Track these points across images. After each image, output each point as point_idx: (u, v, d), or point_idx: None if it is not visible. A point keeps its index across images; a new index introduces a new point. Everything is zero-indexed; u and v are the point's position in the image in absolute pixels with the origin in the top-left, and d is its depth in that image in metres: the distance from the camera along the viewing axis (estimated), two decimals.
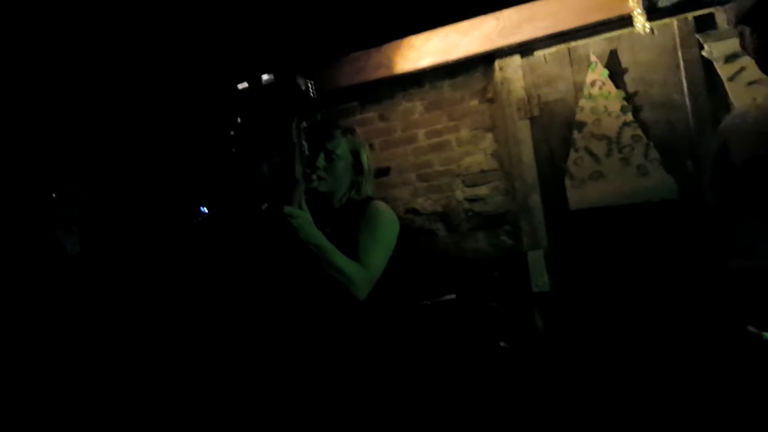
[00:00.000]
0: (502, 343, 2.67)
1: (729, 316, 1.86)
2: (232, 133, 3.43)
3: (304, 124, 1.84)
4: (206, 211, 3.28)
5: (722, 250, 1.80)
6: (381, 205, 1.89)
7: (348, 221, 1.84)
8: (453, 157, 3.24)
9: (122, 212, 3.51)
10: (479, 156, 3.20)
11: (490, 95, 3.20)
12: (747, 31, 1.60)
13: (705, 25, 2.84)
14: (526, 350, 2.79)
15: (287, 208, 1.68)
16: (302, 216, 1.69)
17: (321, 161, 1.87)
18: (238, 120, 3.39)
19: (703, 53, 2.81)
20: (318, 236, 1.70)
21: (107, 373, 2.59)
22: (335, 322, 1.78)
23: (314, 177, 1.85)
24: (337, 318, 1.78)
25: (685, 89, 2.85)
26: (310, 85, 3.21)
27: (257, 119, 3.41)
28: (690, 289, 2.67)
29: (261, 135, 3.57)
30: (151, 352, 2.93)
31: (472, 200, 3.21)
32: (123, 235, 3.41)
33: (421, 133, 3.31)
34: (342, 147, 1.92)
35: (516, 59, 3.14)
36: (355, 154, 1.96)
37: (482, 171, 3.20)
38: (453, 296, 2.79)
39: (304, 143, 1.81)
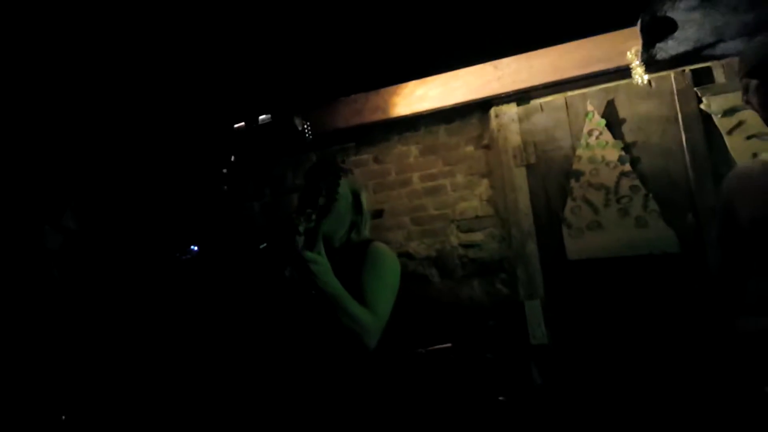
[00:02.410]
0: (500, 398, 2.42)
1: (743, 376, 1.70)
2: (224, 171, 3.25)
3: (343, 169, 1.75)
4: (196, 249, 3.07)
5: (729, 308, 1.65)
6: (383, 248, 1.78)
7: (349, 262, 1.71)
8: (448, 201, 3.06)
9: (111, 245, 3.29)
10: (474, 201, 3.02)
11: (486, 142, 3.05)
12: (752, 84, 1.50)
13: (703, 78, 2.73)
14: (523, 405, 2.54)
15: (308, 254, 1.59)
16: (322, 263, 1.60)
17: (322, 201, 1.72)
18: (232, 158, 3.21)
19: (701, 107, 2.69)
20: (336, 285, 1.59)
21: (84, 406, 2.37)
22: (336, 370, 1.63)
23: (313, 217, 1.70)
24: (338, 366, 1.63)
25: (684, 141, 2.72)
26: (306, 126, 3.05)
27: (251, 158, 3.23)
28: (693, 345, 2.48)
29: (254, 174, 3.39)
30: (130, 387, 2.69)
31: (466, 246, 3.01)
32: (110, 267, 3.19)
33: (415, 176, 3.14)
34: (343, 187, 1.79)
35: (512, 107, 3.00)
36: (355, 195, 1.87)
37: (477, 217, 3.01)
38: (448, 345, 2.55)
39: (336, 194, 1.70)
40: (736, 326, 1.61)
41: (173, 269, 2.96)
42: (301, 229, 1.66)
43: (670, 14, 2.34)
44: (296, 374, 1.69)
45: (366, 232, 1.87)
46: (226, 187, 3.28)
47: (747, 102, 1.59)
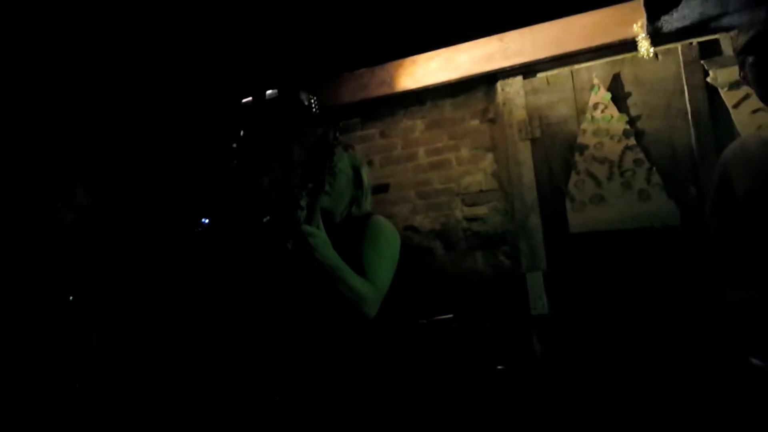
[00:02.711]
0: (499, 366, 2.48)
1: (730, 347, 1.72)
2: (234, 145, 3.29)
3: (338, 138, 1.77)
4: (207, 221, 3.13)
5: (722, 280, 1.67)
6: (383, 221, 1.81)
7: (349, 236, 1.74)
8: (452, 175, 3.08)
9: (125, 221, 3.37)
10: (479, 175, 3.03)
11: (491, 116, 3.04)
12: (748, 61, 1.51)
13: (710, 51, 2.69)
14: (522, 373, 2.60)
15: (306, 227, 1.63)
16: (320, 236, 1.64)
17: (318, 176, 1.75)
18: (241, 133, 3.24)
19: (708, 79, 2.65)
20: (334, 257, 1.63)
21: (103, 380, 2.46)
22: (339, 339, 1.68)
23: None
24: (340, 335, 1.67)
25: (689, 115, 2.69)
26: (312, 100, 3.07)
27: (259, 133, 3.26)
28: (690, 317, 2.50)
29: (262, 149, 3.43)
30: (149, 360, 2.79)
31: (470, 219, 3.04)
32: (125, 243, 3.27)
33: (421, 151, 3.15)
34: (343, 162, 1.85)
35: (518, 80, 2.99)
36: (356, 170, 1.90)
37: (482, 191, 3.03)
38: (450, 316, 2.60)
39: (330, 170, 1.76)
40: (726, 298, 1.64)
41: (186, 242, 3.03)
42: (303, 203, 1.69)
43: None
44: (299, 344, 1.73)
45: (367, 206, 1.89)
46: (235, 161, 3.32)
47: (743, 78, 1.60)
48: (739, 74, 1.59)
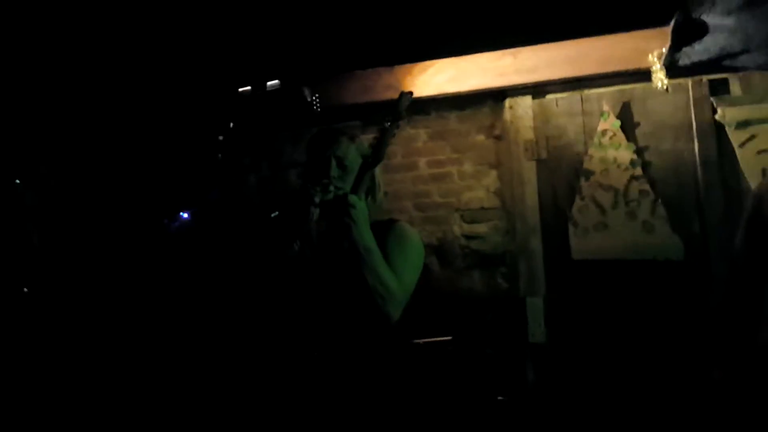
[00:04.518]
0: (500, 398, 2.28)
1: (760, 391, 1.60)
2: (221, 137, 2.98)
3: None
4: (186, 216, 2.81)
5: (751, 318, 1.54)
6: (410, 229, 1.64)
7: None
8: (453, 189, 2.90)
9: (96, 207, 2.99)
10: (481, 192, 2.87)
11: (497, 132, 2.90)
12: None
13: (719, 89, 2.66)
14: (518, 403, 2.41)
15: (352, 197, 1.47)
16: (364, 210, 1.48)
17: (335, 170, 1.58)
18: (231, 125, 2.95)
19: (716, 117, 2.61)
20: (371, 238, 1.46)
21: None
22: (351, 346, 1.48)
23: (331, 187, 1.55)
24: (355, 341, 1.47)
25: (696, 150, 2.64)
26: (315, 97, 2.83)
27: (251, 127, 2.98)
28: (690, 353, 2.39)
29: (252, 145, 3.14)
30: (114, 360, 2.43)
31: (469, 237, 2.86)
32: (91, 229, 2.90)
33: (422, 161, 2.96)
34: (352, 153, 1.64)
35: (527, 99, 2.86)
36: (365, 160, 1.68)
37: (483, 208, 2.86)
38: (448, 338, 2.39)
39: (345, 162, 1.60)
40: (756, 338, 1.51)
41: (161, 236, 2.69)
42: (317, 200, 1.51)
43: (705, 16, 2.24)
44: (298, 357, 1.52)
45: (381, 199, 1.71)
46: (220, 155, 3.02)
47: None
48: None
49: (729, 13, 2.19)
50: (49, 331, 2.11)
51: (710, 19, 2.24)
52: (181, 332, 2.36)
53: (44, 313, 2.14)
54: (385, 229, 1.59)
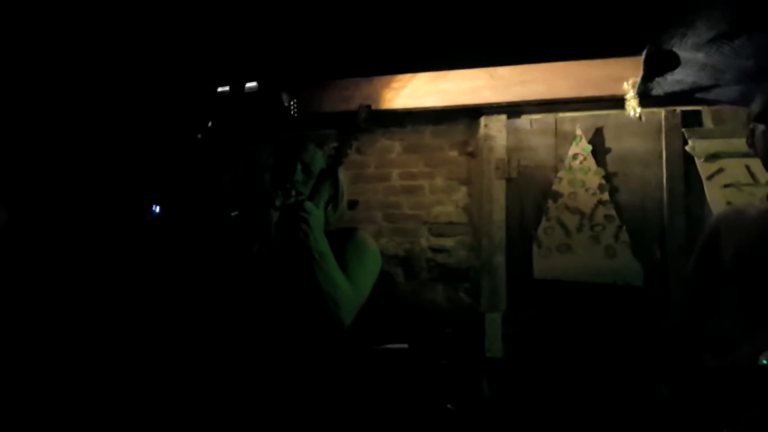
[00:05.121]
0: (449, 405, 2.29)
1: (704, 414, 1.61)
2: (199, 136, 2.99)
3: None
4: (157, 210, 2.81)
5: (698, 342, 1.55)
6: (369, 237, 1.67)
7: (333, 245, 1.56)
8: (424, 203, 2.90)
9: (61, 199, 3.00)
10: (450, 207, 2.87)
11: (470, 149, 2.90)
12: (759, 129, 1.42)
13: (691, 120, 2.67)
14: (470, 415, 2.41)
15: (309, 204, 1.50)
16: (320, 218, 1.51)
17: (299, 174, 1.61)
18: (209, 124, 2.95)
19: (687, 148, 2.61)
20: (326, 244, 1.49)
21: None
22: (302, 349, 1.48)
23: (293, 192, 1.59)
24: (305, 344, 1.48)
25: (664, 179, 2.64)
26: (293, 103, 2.84)
27: (229, 127, 2.99)
28: (643, 378, 2.40)
29: (229, 144, 3.15)
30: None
31: (436, 250, 2.86)
32: (65, 221, 2.91)
33: (395, 173, 2.97)
34: (318, 160, 1.67)
35: (502, 119, 2.86)
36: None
37: (451, 222, 2.87)
38: (405, 346, 2.40)
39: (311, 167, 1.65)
40: (702, 362, 1.53)
41: (135, 231, 2.70)
42: (278, 203, 1.54)
43: (676, 49, 2.25)
44: (255, 356, 1.51)
45: (344, 208, 1.73)
46: (197, 154, 3.03)
47: (750, 146, 1.51)
48: (747, 141, 1.50)
49: (699, 48, 2.19)
50: (15, 324, 2.12)
51: (681, 52, 2.25)
52: (139, 326, 2.37)
53: (13, 307, 2.15)
54: (344, 237, 1.61)
